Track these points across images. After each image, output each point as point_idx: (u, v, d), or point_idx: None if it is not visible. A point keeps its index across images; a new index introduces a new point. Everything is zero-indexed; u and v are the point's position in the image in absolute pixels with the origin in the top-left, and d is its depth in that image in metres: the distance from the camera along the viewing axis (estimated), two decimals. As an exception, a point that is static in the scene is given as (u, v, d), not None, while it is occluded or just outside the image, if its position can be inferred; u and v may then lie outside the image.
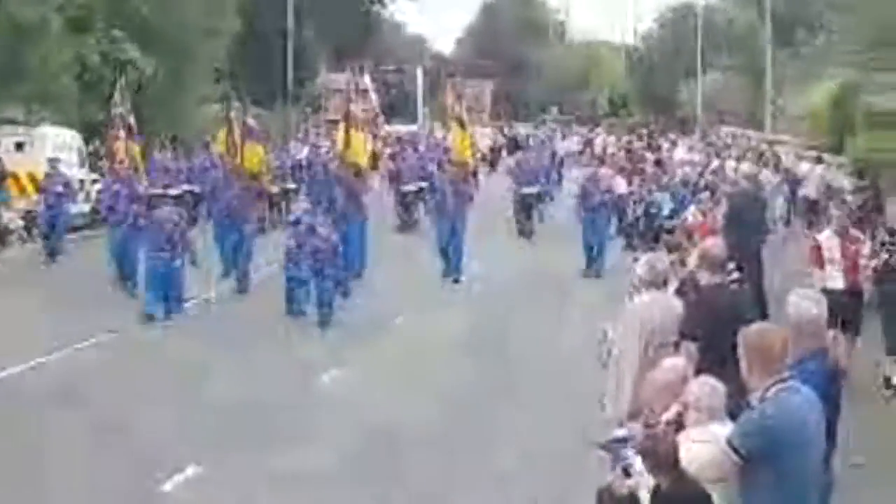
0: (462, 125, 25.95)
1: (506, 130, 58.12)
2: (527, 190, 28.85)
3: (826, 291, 10.86)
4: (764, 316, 10.30)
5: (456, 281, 21.47)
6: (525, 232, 28.27)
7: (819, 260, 13.28)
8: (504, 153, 49.73)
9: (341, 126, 22.69)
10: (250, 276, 20.67)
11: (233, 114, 22.81)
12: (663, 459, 6.46)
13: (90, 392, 13.44)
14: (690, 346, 8.34)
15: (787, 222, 27.01)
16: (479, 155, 39.93)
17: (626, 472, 7.00)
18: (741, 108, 51.83)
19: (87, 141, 30.44)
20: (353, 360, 15.20)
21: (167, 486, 10.33)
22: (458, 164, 23.92)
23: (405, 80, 59.86)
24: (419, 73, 61.38)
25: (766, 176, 26.28)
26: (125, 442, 11.48)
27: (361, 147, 22.43)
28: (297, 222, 18.73)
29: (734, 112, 51.72)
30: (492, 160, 47.67)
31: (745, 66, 53.88)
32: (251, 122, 23.04)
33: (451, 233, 21.92)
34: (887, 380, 12.85)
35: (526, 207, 28.75)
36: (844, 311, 12.11)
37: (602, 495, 6.91)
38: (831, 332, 10.41)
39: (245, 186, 21.51)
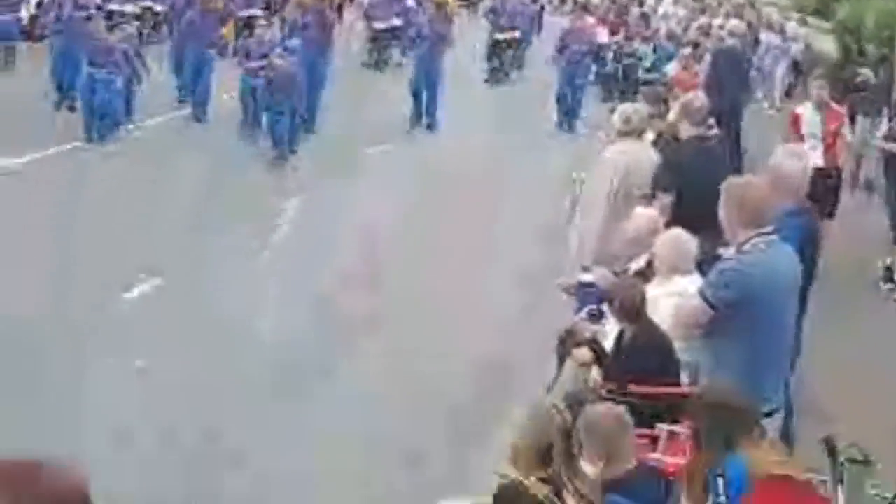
0: None
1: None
2: (500, 35, 27.16)
3: None
4: (738, 173, 10.12)
5: (430, 127, 20.39)
6: (495, 79, 26.90)
7: (797, 132, 12.53)
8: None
9: None
10: (208, 103, 19.35)
11: None
12: (629, 307, 6.38)
13: (39, 207, 13.04)
14: (665, 198, 8.19)
15: (788, 93, 24.65)
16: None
17: (592, 317, 6.92)
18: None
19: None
20: (317, 189, 14.97)
21: (132, 293, 10.49)
22: (437, 2, 22.62)
23: None
24: None
25: (768, 38, 25.09)
26: (86, 254, 11.35)
27: None
28: (255, 50, 17.82)
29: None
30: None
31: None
32: None
33: (426, 76, 20.65)
34: (888, 270, 11.89)
35: (498, 54, 27.35)
36: (821, 189, 11.09)
37: (564, 337, 6.81)
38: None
39: (208, 7, 20.06)
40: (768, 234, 5.75)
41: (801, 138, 12.33)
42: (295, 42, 18.98)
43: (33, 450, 2.00)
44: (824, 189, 11.57)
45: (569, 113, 21.68)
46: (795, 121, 12.75)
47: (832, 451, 5.02)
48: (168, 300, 10.42)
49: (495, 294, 11.21)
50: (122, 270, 10.97)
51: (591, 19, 28.56)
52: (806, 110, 12.84)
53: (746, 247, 5.72)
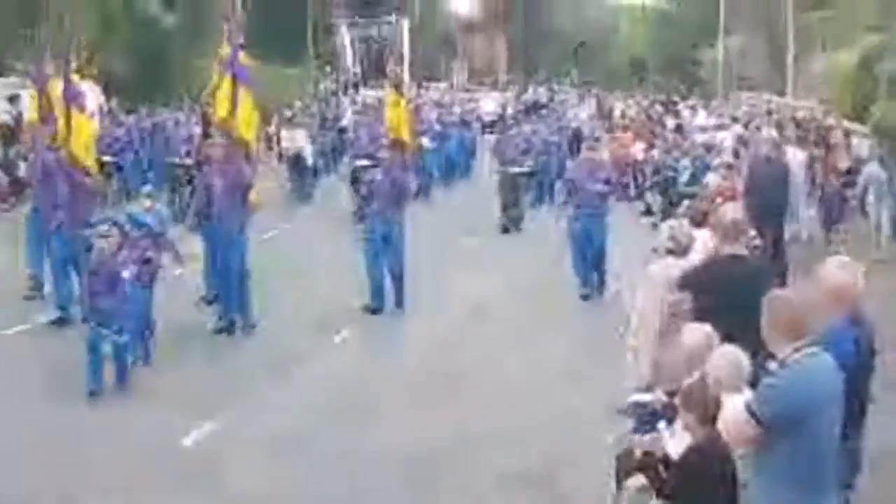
0: (399, 90, 19.39)
1: (522, 95, 54.43)
2: (515, 169, 23.55)
3: None
4: (783, 285, 10.11)
5: (398, 305, 15.80)
6: (511, 225, 22.99)
7: None
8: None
9: (223, 83, 14.92)
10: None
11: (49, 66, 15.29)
12: (703, 409, 6.31)
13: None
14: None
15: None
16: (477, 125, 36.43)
17: (648, 436, 6.98)
18: (761, 72, 51.05)
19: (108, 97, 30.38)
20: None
21: (187, 441, 10.61)
22: (393, 145, 17.81)
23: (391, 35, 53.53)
24: (405, 25, 54.83)
25: (870, 169, 20.67)
26: (144, 402, 11.68)
27: (249, 115, 15.01)
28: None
29: (753, 76, 50.98)
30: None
31: (766, 29, 53.03)
32: (78, 81, 15.29)
33: (384, 241, 15.71)
34: None
35: (514, 193, 23.34)
36: None
37: (622, 458, 6.89)
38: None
39: (71, 178, 14.77)
40: (810, 345, 5.83)
41: None
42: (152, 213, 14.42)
43: None
44: None
45: (591, 276, 16.93)
46: None
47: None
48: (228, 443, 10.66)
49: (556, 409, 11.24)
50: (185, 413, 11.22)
51: (628, 135, 28.70)
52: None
53: (789, 360, 5.82)
